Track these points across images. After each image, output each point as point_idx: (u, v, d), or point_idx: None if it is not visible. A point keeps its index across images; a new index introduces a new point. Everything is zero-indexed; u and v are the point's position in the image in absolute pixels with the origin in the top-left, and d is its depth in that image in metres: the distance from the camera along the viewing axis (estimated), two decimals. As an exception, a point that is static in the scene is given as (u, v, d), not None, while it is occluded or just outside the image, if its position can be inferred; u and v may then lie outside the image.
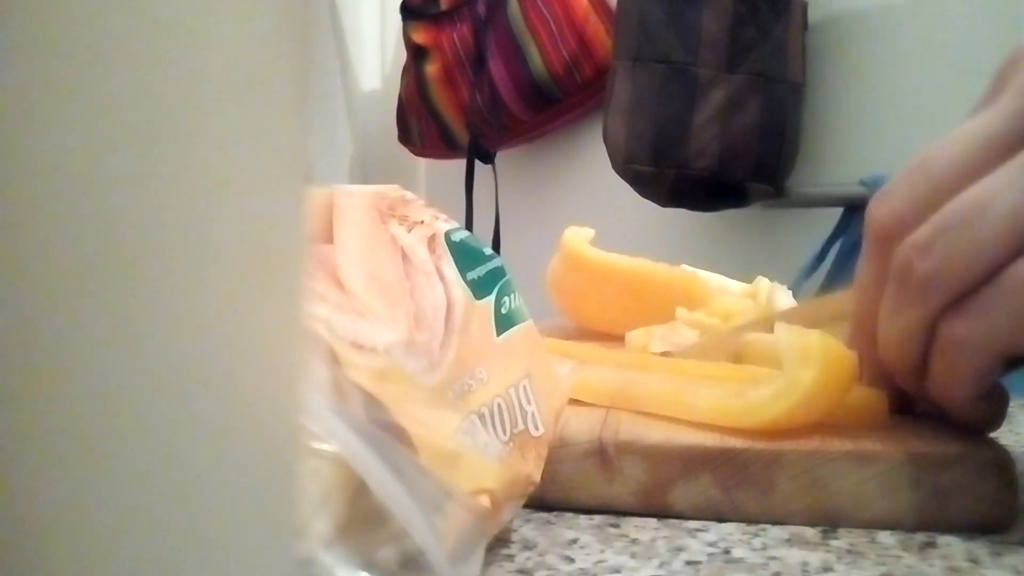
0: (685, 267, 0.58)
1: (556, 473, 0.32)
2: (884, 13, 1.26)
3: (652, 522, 0.32)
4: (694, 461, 0.32)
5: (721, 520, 0.32)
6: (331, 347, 0.22)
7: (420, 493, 0.21)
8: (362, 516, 0.20)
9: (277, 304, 0.14)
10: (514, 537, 0.30)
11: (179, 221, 0.12)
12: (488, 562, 0.27)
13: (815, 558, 0.28)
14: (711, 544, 0.30)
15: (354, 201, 0.28)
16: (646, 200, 1.27)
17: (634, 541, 0.30)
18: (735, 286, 0.56)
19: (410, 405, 0.23)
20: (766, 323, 0.45)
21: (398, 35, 1.65)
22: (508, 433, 0.27)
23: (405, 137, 1.66)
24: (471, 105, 1.51)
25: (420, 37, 1.55)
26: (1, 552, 0.12)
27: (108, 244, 0.12)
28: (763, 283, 0.54)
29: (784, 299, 0.51)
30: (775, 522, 0.31)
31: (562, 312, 0.62)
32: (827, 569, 0.27)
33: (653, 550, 0.29)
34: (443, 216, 0.30)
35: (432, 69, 1.55)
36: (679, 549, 0.29)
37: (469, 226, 1.50)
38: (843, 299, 0.40)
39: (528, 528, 0.31)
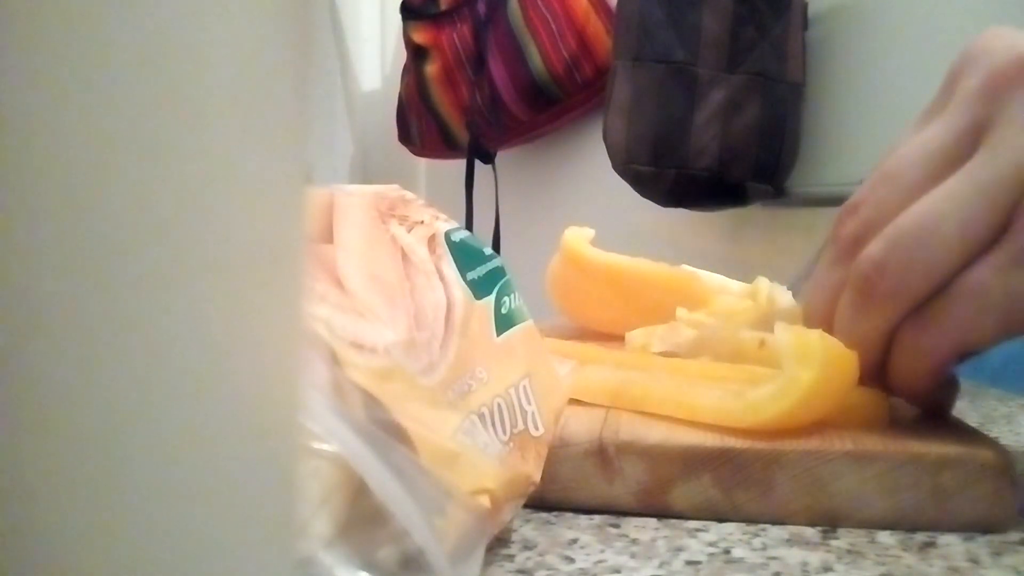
0: (685, 267, 0.58)
1: (556, 473, 0.32)
2: (885, 13, 1.26)
3: (652, 522, 0.32)
4: (694, 461, 0.32)
5: (721, 520, 0.32)
6: (331, 347, 0.22)
7: (420, 493, 0.21)
8: (362, 516, 0.20)
9: (277, 304, 0.14)
10: (514, 537, 0.30)
11: (179, 221, 0.12)
12: (488, 562, 0.27)
13: (815, 558, 0.28)
14: (711, 544, 0.30)
15: (354, 201, 0.28)
16: (646, 200, 1.27)
17: (634, 541, 0.30)
18: (735, 286, 0.56)
19: (410, 405, 0.23)
20: (766, 323, 0.45)
21: (398, 35, 1.65)
22: (508, 433, 0.27)
23: (405, 137, 1.66)
24: (471, 105, 1.51)
25: (420, 37, 1.55)
26: (1, 552, 0.12)
27: (108, 244, 0.12)
28: (763, 283, 0.54)
29: (784, 299, 0.51)
30: (775, 522, 0.31)
31: (562, 312, 0.62)
32: (827, 569, 0.27)
33: (653, 550, 0.29)
34: (443, 216, 0.30)
35: (432, 69, 1.54)
36: (679, 549, 0.29)
37: (469, 226, 1.50)
38: None
39: (528, 528, 0.31)
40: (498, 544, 0.29)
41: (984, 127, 0.32)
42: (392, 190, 0.30)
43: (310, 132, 0.15)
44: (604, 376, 0.39)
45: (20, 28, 0.11)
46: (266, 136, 0.13)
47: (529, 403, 0.28)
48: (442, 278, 0.27)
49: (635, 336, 0.50)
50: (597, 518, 0.32)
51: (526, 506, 0.30)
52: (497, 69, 1.48)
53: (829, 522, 0.31)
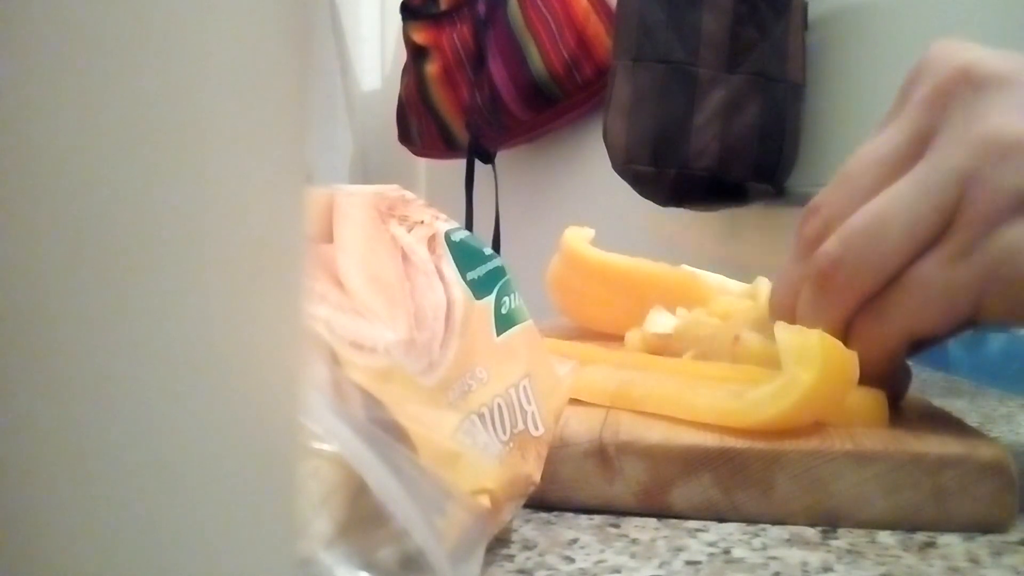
0: (685, 267, 0.58)
1: (556, 473, 0.32)
2: (885, 13, 1.26)
3: (652, 522, 0.32)
4: (694, 461, 0.32)
5: (721, 520, 0.32)
6: (331, 347, 0.22)
7: (420, 493, 0.21)
8: (362, 516, 0.20)
9: (277, 304, 0.14)
10: (514, 537, 0.30)
11: (179, 221, 0.12)
12: (488, 562, 0.27)
13: (815, 558, 0.28)
14: (711, 544, 0.30)
15: (354, 201, 0.28)
16: (646, 200, 1.27)
17: (634, 541, 0.30)
18: (735, 286, 0.56)
19: (410, 405, 0.23)
20: (765, 323, 0.45)
21: (398, 35, 1.65)
22: (508, 433, 0.27)
23: (405, 137, 1.66)
24: (471, 105, 1.51)
25: (420, 37, 1.55)
26: (1, 552, 0.12)
27: (108, 244, 0.12)
28: (763, 283, 0.54)
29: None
30: (775, 522, 0.31)
31: (562, 312, 0.62)
32: (827, 569, 0.27)
33: (653, 550, 0.29)
34: (443, 216, 0.30)
35: (432, 69, 1.54)
36: (679, 549, 0.29)
37: (469, 226, 1.50)
38: None
39: (528, 528, 0.31)
40: (498, 544, 0.29)
41: (929, 134, 0.35)
42: (392, 190, 0.30)
43: (310, 132, 0.15)
44: (604, 376, 0.39)
45: (19, 28, 0.11)
46: (266, 136, 0.13)
47: (529, 403, 0.28)
48: (442, 278, 0.27)
49: (634, 335, 0.50)
50: (597, 518, 0.32)
51: (526, 506, 0.30)
52: (497, 69, 1.48)
53: (829, 522, 0.31)
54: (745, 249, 1.36)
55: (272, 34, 0.13)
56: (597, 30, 1.45)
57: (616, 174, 1.26)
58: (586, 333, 0.59)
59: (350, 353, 0.22)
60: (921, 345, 0.37)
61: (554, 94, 1.48)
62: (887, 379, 0.36)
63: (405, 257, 0.27)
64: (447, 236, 0.29)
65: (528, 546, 0.29)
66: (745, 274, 0.58)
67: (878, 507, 0.31)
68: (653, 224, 1.40)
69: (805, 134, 1.24)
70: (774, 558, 0.28)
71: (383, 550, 0.20)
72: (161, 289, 0.12)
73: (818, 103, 1.28)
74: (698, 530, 0.31)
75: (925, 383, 0.56)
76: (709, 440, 0.32)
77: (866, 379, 0.34)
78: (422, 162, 1.75)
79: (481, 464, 0.24)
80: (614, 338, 0.53)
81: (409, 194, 0.31)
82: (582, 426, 0.34)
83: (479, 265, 0.29)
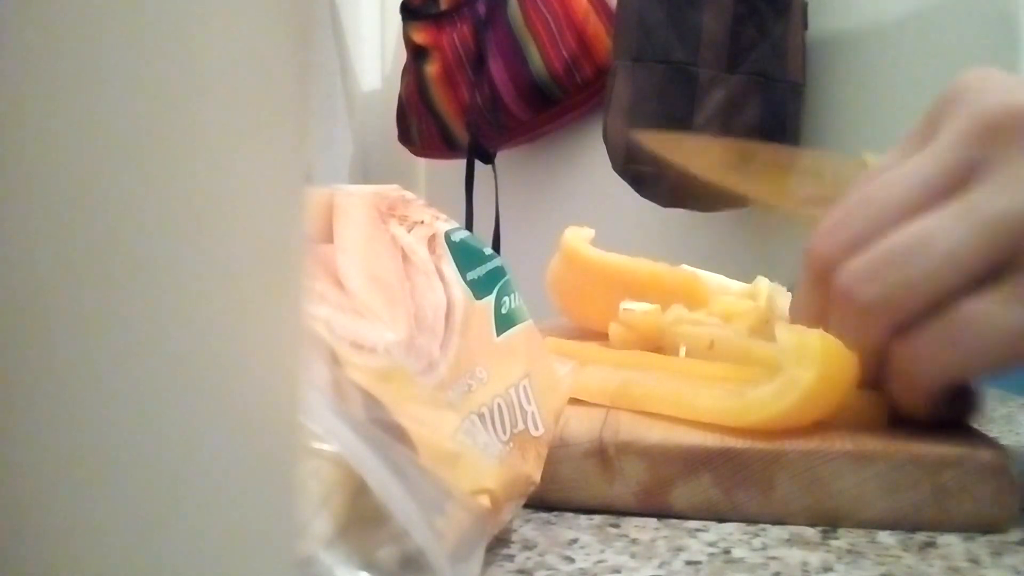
0: (685, 267, 0.58)
1: (556, 473, 0.32)
2: (885, 13, 1.26)
3: (652, 522, 0.32)
4: (694, 461, 0.32)
5: (721, 520, 0.32)
6: (331, 347, 0.22)
7: (420, 493, 0.21)
8: (362, 516, 0.20)
9: (277, 304, 0.14)
10: (514, 537, 0.30)
11: (179, 221, 0.12)
12: (488, 562, 0.27)
13: (815, 558, 0.28)
14: (711, 544, 0.30)
15: (354, 201, 0.28)
16: (646, 200, 1.27)
17: (634, 541, 0.30)
18: (735, 286, 0.56)
19: (410, 405, 0.23)
20: (765, 323, 0.45)
21: (398, 35, 1.65)
22: (508, 433, 0.27)
23: (405, 137, 1.66)
24: (471, 105, 1.51)
25: (420, 37, 1.55)
26: (1, 552, 0.12)
27: (108, 244, 0.12)
28: (763, 283, 0.54)
29: (784, 299, 0.51)
30: (775, 522, 0.31)
31: (562, 312, 0.62)
32: (827, 569, 0.27)
33: (653, 550, 0.29)
34: (443, 216, 0.30)
35: (432, 69, 1.54)
36: (679, 549, 0.29)
37: (469, 226, 1.49)
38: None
39: (528, 528, 0.31)
40: (498, 544, 0.29)
41: (972, 167, 0.33)
42: (392, 190, 0.30)
43: (310, 132, 0.15)
44: (604, 376, 0.39)
45: (19, 27, 0.11)
46: (266, 136, 0.13)
47: (529, 403, 0.28)
48: (442, 278, 0.27)
49: (615, 329, 0.50)
50: (597, 518, 0.32)
51: (526, 506, 0.30)
52: (497, 69, 1.48)
53: (829, 522, 0.31)
54: (745, 249, 1.36)
55: (272, 34, 0.13)
56: (597, 30, 1.45)
57: (616, 174, 1.26)
58: (586, 333, 0.59)
59: (350, 353, 0.22)
60: (966, 382, 0.35)
61: (554, 94, 1.48)
62: (933, 409, 0.34)
63: (405, 257, 0.27)
64: (447, 236, 0.29)
65: (528, 546, 0.29)
66: (745, 274, 0.58)
67: (878, 507, 0.31)
68: (653, 224, 1.40)
69: (805, 134, 1.24)
70: (774, 558, 0.28)
71: (383, 550, 0.20)
72: (161, 289, 0.12)
73: (818, 103, 1.28)
74: (698, 530, 0.31)
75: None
76: (709, 440, 0.32)
77: (909, 409, 0.34)
78: (422, 162, 1.75)
79: (481, 464, 0.24)
80: (614, 338, 0.53)
81: (409, 194, 0.31)
82: (582, 426, 0.34)
83: (479, 265, 0.29)
